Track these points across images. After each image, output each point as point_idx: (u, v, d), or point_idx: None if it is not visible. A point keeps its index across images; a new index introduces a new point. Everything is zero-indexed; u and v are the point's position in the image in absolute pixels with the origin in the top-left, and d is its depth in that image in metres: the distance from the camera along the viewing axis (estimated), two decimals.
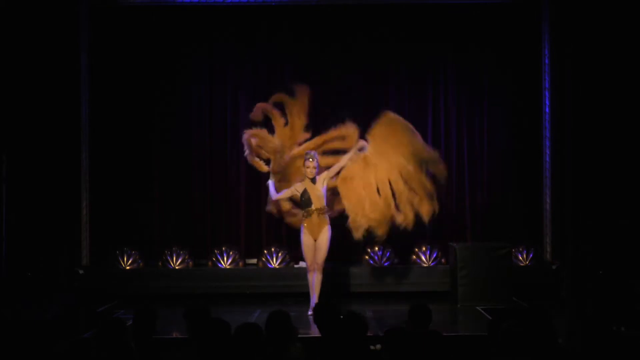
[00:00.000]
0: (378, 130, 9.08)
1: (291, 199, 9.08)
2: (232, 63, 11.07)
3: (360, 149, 8.93)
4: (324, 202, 8.64)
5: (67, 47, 10.49)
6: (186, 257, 10.52)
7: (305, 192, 8.63)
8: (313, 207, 8.58)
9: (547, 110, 10.72)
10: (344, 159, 8.89)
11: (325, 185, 8.72)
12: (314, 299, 8.49)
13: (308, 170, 8.62)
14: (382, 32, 10.91)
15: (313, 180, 8.65)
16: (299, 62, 11.02)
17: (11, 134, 10.23)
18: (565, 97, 10.60)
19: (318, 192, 8.61)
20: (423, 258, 10.55)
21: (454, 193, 11.00)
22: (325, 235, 8.59)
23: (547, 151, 10.73)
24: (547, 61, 10.70)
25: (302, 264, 10.02)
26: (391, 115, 9.25)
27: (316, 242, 8.59)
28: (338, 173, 8.89)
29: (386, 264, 10.42)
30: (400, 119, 9.26)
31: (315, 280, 8.58)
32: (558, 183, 10.63)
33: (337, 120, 10.98)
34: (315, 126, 11.02)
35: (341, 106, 11.04)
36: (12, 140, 10.23)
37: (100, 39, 10.71)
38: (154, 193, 10.93)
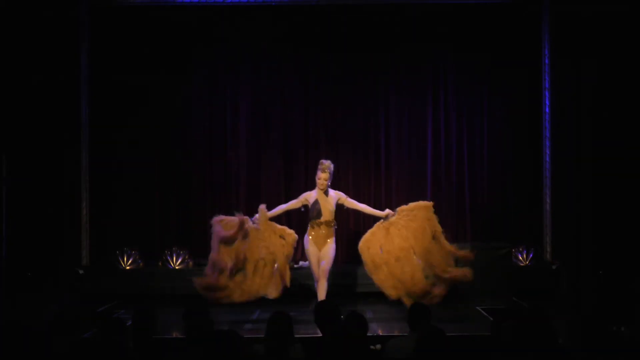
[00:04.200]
0: (411, 211, 8.52)
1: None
2: (232, 63, 11.06)
3: (386, 217, 8.51)
4: (333, 216, 8.46)
5: (67, 47, 10.50)
6: (186, 257, 10.52)
7: (316, 202, 8.46)
8: (323, 219, 8.43)
9: (547, 110, 10.72)
10: (368, 209, 8.66)
11: (337, 203, 8.52)
12: None
13: (319, 181, 8.44)
14: (382, 32, 10.91)
15: (325, 193, 8.49)
16: (299, 62, 11.03)
17: (11, 134, 10.23)
18: (565, 97, 10.60)
19: (330, 207, 8.45)
20: None
21: (454, 193, 11.00)
22: (333, 245, 8.48)
23: (547, 151, 10.72)
24: (547, 61, 10.69)
25: (302, 264, 10.02)
26: (430, 208, 8.56)
27: (321, 251, 8.47)
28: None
29: None
30: (435, 220, 8.53)
31: (319, 287, 8.43)
32: (558, 183, 10.63)
33: (335, 119, 11.07)
34: (313, 124, 11.12)
35: (340, 106, 11.07)
36: (12, 140, 10.23)
37: (100, 39, 10.72)
38: (154, 193, 10.93)
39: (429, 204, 8.61)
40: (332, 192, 8.55)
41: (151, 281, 10.16)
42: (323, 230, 8.45)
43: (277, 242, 8.33)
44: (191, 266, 10.53)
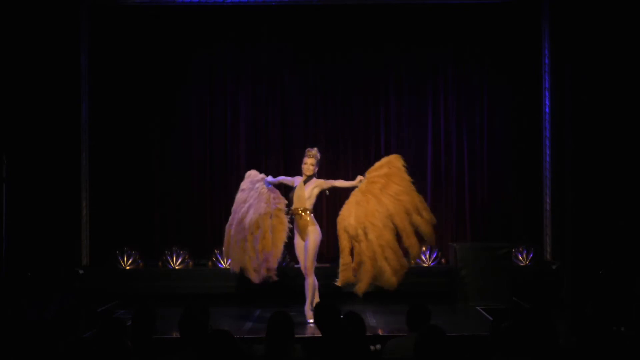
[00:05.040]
0: (375, 171, 8.43)
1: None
2: (233, 63, 11.07)
3: (359, 184, 8.40)
4: (305, 204, 8.22)
5: (67, 47, 10.51)
6: (186, 257, 10.53)
7: (292, 189, 8.37)
8: (293, 206, 8.27)
9: (547, 110, 10.73)
10: (342, 183, 8.53)
11: (315, 191, 8.29)
12: (305, 305, 8.22)
13: (305, 167, 8.29)
14: (382, 33, 10.91)
15: (307, 180, 8.31)
16: (299, 63, 11.04)
17: (11, 134, 10.23)
18: (565, 97, 10.59)
19: (301, 193, 8.24)
20: (423, 258, 10.55)
21: (454, 193, 11.00)
22: (312, 236, 8.20)
23: (547, 151, 10.73)
24: (547, 61, 10.70)
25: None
26: (393, 162, 8.46)
27: (305, 243, 8.29)
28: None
29: None
30: (403, 170, 8.43)
31: (305, 285, 8.25)
32: (558, 183, 10.62)
33: (335, 119, 11.07)
34: (313, 124, 11.11)
35: (340, 105, 11.08)
36: (12, 140, 10.23)
37: (101, 39, 10.73)
38: (154, 193, 10.94)
39: (393, 157, 8.47)
40: (313, 180, 8.35)
41: (151, 281, 10.17)
42: (298, 219, 8.25)
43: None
44: (191, 266, 10.54)
